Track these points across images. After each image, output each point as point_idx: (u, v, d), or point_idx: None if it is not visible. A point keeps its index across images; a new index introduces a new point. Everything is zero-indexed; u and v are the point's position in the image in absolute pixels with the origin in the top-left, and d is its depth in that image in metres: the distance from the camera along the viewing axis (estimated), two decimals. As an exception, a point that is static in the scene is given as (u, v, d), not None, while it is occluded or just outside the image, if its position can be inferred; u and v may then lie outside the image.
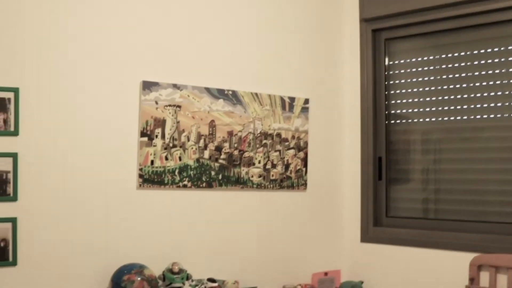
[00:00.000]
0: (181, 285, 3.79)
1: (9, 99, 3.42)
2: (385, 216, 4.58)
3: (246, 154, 4.23)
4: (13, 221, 3.42)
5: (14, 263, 3.43)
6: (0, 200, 3.39)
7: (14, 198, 3.43)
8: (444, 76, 4.32)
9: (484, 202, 4.12)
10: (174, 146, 3.94)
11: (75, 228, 3.63)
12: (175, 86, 3.94)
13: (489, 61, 4.11)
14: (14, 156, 3.42)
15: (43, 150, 3.53)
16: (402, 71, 4.55)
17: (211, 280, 3.87)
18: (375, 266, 4.54)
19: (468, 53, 4.21)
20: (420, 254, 4.28)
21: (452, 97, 4.27)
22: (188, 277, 3.82)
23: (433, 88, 4.37)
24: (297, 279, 4.45)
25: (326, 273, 4.54)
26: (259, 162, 4.29)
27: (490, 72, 4.10)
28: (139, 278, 3.50)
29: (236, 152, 4.19)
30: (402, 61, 4.56)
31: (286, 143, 4.43)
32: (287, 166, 4.43)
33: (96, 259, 3.69)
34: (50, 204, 3.55)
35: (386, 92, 4.61)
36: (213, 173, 4.09)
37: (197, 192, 4.05)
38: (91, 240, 3.68)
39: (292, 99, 4.46)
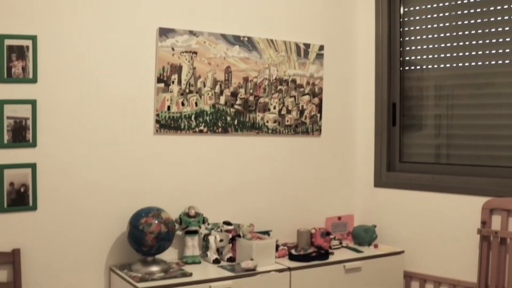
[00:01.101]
0: (197, 228, 3.86)
1: (27, 47, 3.44)
2: (399, 161, 4.62)
3: (261, 100, 4.26)
4: (32, 166, 3.48)
5: (34, 207, 3.50)
6: (19, 146, 3.44)
7: (33, 144, 3.48)
8: (459, 22, 4.28)
9: (496, 147, 4.13)
10: (190, 92, 3.97)
11: (93, 173, 3.68)
12: (191, 32, 3.95)
13: (505, 6, 4.07)
14: (33, 103, 3.46)
15: (61, 96, 3.56)
16: (417, 17, 4.52)
17: (227, 223, 3.93)
18: (388, 211, 4.60)
19: (484, -2, 4.19)
20: (433, 198, 4.32)
21: (466, 43, 4.25)
22: (204, 221, 3.89)
23: (448, 34, 4.35)
24: (311, 223, 4.52)
25: (339, 218, 4.60)
26: (274, 107, 4.32)
27: (506, 17, 4.07)
28: (156, 221, 3.55)
29: (251, 98, 4.22)
30: (417, 8, 4.52)
31: (301, 89, 4.45)
32: (302, 112, 4.46)
33: (114, 203, 3.76)
34: (69, 149, 3.60)
35: (401, 39, 4.59)
36: (228, 118, 4.13)
37: (213, 137, 4.09)
38: (109, 185, 3.74)
39: (307, 46, 4.46)
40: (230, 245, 3.89)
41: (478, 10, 4.19)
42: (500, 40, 4.09)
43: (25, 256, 3.49)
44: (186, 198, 3.99)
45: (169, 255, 3.88)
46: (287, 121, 4.39)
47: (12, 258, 3.42)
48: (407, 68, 4.59)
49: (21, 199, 3.46)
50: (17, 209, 3.46)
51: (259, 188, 4.32)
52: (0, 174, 3.39)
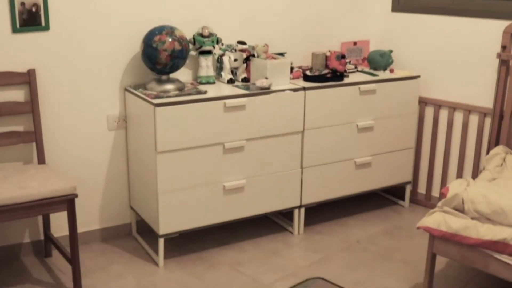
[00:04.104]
0: (211, 49, 3.84)
1: None
2: (417, -15, 4.50)
3: None
4: (42, -13, 3.45)
5: (46, 27, 3.50)
6: (27, -36, 3.40)
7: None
8: None
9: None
10: None
11: (105, -7, 3.65)
12: None
13: None
14: None
15: None
16: None
17: (241, 42, 3.90)
18: (405, 36, 4.53)
19: None
20: (452, 22, 4.24)
21: None
22: (218, 41, 3.86)
23: None
24: (326, 47, 4.44)
25: (355, 43, 4.55)
26: None
27: None
28: (170, 39, 3.53)
29: None
30: None
31: None
32: None
33: (127, 23, 3.72)
34: (79, -32, 3.55)
35: None
36: None
37: (226, -44, 4.00)
38: (121, 4, 3.69)
39: None
40: (245, 65, 3.89)
41: None
42: None
43: (41, 77, 3.53)
44: (199, 19, 3.93)
45: (183, 75, 3.89)
46: None
47: (28, 78, 3.47)
48: None
49: (33, 19, 3.45)
50: (30, 29, 3.46)
51: (273, 10, 4.24)
52: (10, -7, 3.37)
